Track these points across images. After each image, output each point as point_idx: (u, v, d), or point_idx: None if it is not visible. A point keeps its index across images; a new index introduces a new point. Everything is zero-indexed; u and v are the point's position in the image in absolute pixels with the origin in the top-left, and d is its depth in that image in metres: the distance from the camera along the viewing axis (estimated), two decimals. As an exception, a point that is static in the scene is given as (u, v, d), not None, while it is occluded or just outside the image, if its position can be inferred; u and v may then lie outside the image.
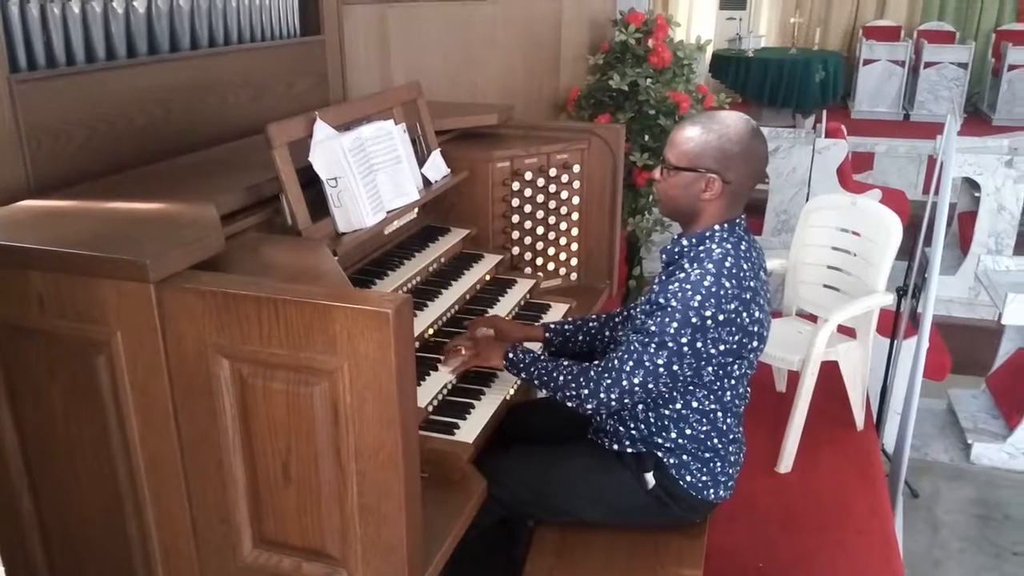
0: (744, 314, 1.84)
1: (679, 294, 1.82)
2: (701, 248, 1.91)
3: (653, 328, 1.84)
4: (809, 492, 3.07)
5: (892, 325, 3.49)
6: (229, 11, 2.39)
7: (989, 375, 4.40)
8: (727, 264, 1.84)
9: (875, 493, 3.07)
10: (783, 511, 2.97)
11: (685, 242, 1.95)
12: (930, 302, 3.10)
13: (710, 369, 1.90)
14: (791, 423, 3.15)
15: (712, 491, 2.03)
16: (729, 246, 1.89)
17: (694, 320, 1.81)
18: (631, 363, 1.86)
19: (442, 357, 2.10)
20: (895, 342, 3.50)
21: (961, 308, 5.29)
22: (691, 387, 1.93)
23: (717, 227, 1.92)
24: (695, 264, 1.87)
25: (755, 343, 1.91)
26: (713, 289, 1.81)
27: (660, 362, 1.84)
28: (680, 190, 1.92)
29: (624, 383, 1.87)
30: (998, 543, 3.37)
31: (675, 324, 1.81)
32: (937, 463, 3.92)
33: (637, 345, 1.86)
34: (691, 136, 1.90)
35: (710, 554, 2.09)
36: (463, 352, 2.08)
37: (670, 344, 1.82)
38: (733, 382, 1.95)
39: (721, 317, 1.81)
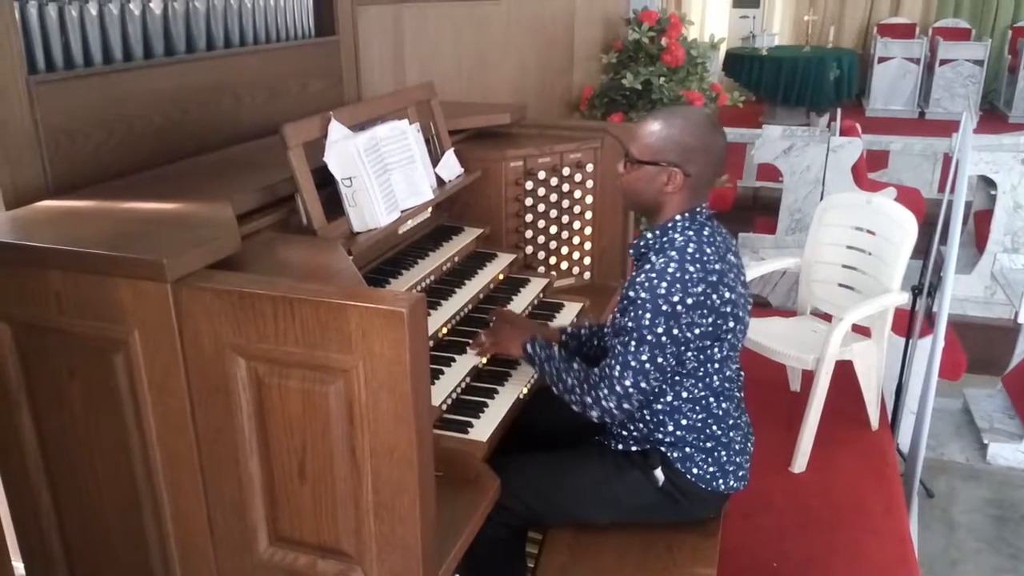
0: (713, 295, 1.87)
1: (646, 284, 1.85)
2: (665, 239, 1.95)
3: (630, 324, 1.87)
4: (824, 492, 3.06)
5: (907, 324, 3.47)
6: (244, 12, 2.41)
7: (1005, 374, 4.37)
8: (689, 250, 1.88)
9: (890, 493, 3.06)
10: (797, 511, 2.96)
11: (650, 235, 1.99)
12: (946, 301, 3.08)
13: (690, 355, 1.92)
14: (805, 422, 3.14)
15: (721, 481, 2.03)
16: (691, 233, 1.93)
17: (664, 308, 1.83)
18: (619, 367, 1.89)
19: (455, 357, 2.12)
20: (910, 341, 3.48)
21: (977, 307, 5.26)
22: (677, 377, 1.95)
23: (679, 217, 1.95)
24: (660, 255, 1.91)
25: (731, 323, 1.93)
26: (678, 275, 1.84)
27: (644, 358, 1.87)
28: (643, 183, 1.96)
29: (618, 388, 1.90)
30: (1015, 543, 3.35)
31: (648, 315, 1.84)
32: (953, 463, 3.89)
33: (620, 347, 1.89)
34: (653, 130, 1.94)
35: (724, 553, 2.09)
36: (483, 339, 2.13)
37: (648, 337, 1.85)
38: (717, 366, 1.96)
39: (690, 301, 1.84)
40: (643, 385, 1.89)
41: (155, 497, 1.59)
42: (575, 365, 2.02)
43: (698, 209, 1.96)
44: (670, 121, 1.94)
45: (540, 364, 2.06)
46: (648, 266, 1.89)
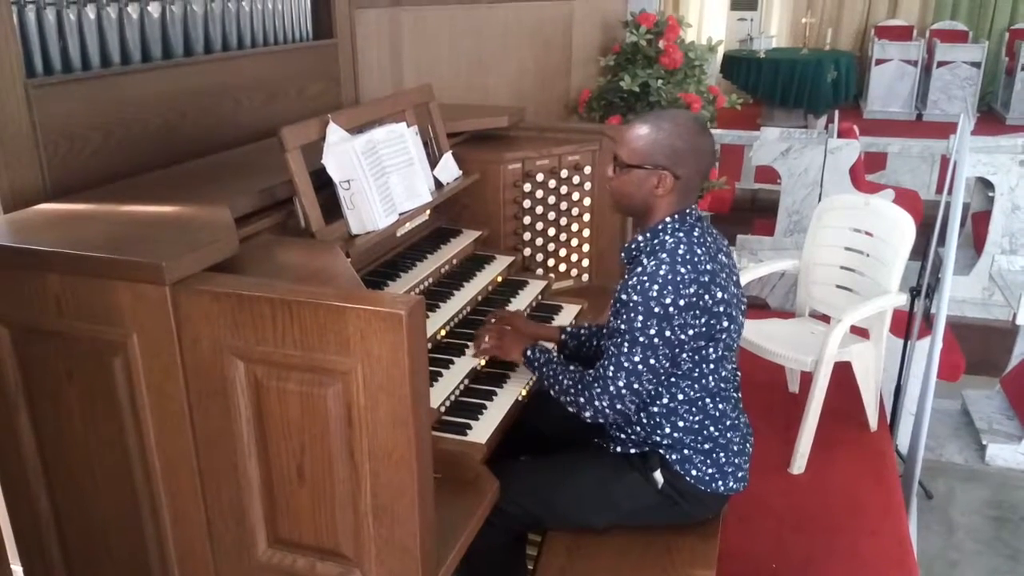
0: (706, 296, 1.88)
1: (638, 287, 1.86)
2: (655, 241, 1.96)
3: (623, 327, 1.88)
4: (822, 493, 3.06)
5: (906, 326, 3.47)
6: (242, 15, 2.41)
7: (1004, 376, 4.38)
8: (680, 251, 1.89)
9: (889, 494, 3.06)
10: (796, 512, 2.96)
11: (640, 238, 2.00)
12: (944, 302, 3.08)
13: (685, 356, 1.93)
14: (804, 424, 3.14)
15: (721, 483, 2.03)
16: (681, 234, 1.94)
17: (656, 310, 1.84)
18: (612, 368, 1.90)
19: (454, 359, 2.12)
20: (908, 343, 3.49)
21: (975, 308, 5.26)
22: (672, 379, 1.96)
23: (668, 219, 1.96)
24: (651, 257, 1.92)
25: (725, 323, 1.93)
26: (669, 277, 1.85)
27: (637, 359, 1.87)
28: (633, 187, 1.97)
29: (611, 388, 1.90)
30: (1014, 544, 3.35)
31: (640, 318, 1.85)
32: (951, 464, 3.90)
33: (613, 349, 1.90)
34: (641, 134, 1.94)
35: (723, 555, 2.09)
36: (486, 340, 2.14)
37: (641, 339, 1.86)
38: (712, 366, 1.97)
39: (682, 302, 1.85)
40: (635, 386, 1.90)
41: (153, 500, 1.59)
42: (571, 367, 2.03)
43: (687, 210, 1.97)
44: (658, 124, 1.94)
45: (539, 368, 2.07)
46: (639, 269, 1.90)
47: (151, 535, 1.63)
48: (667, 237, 1.94)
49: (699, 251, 1.90)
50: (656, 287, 1.84)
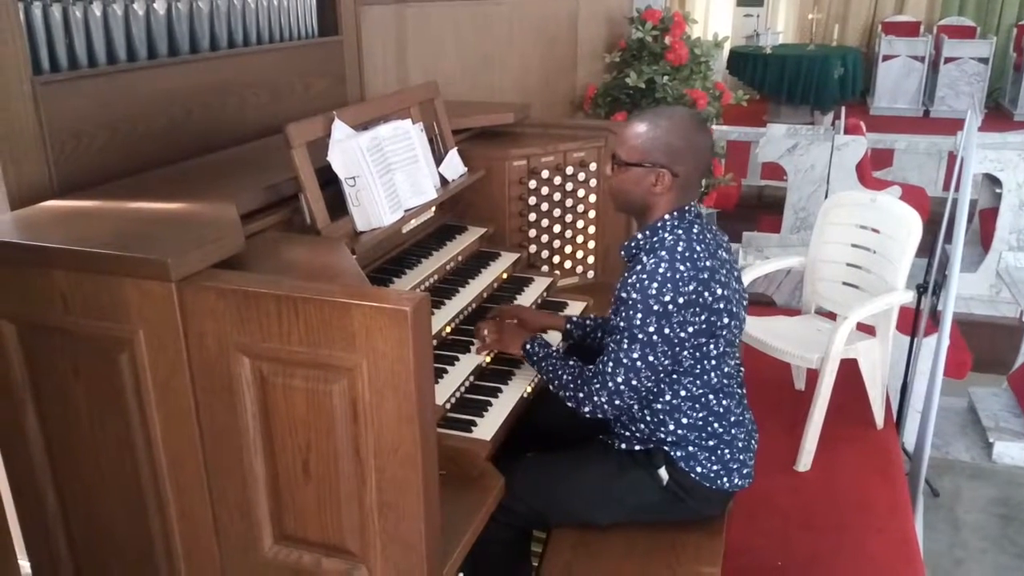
0: (705, 293, 1.88)
1: (637, 285, 1.86)
2: (655, 239, 1.96)
3: (622, 324, 1.89)
4: (828, 491, 3.06)
5: (912, 323, 3.46)
6: (248, 12, 2.41)
7: (1011, 373, 4.36)
8: (679, 248, 1.89)
9: (895, 492, 3.05)
10: (802, 509, 2.96)
11: (640, 236, 2.00)
12: (950, 299, 3.07)
13: (686, 353, 1.93)
14: (810, 421, 3.14)
15: (726, 479, 2.03)
16: (680, 232, 1.94)
17: (655, 308, 1.84)
18: (611, 364, 1.91)
19: (459, 356, 2.12)
20: (915, 340, 3.48)
21: (982, 306, 5.24)
22: (674, 375, 1.96)
23: (667, 216, 1.96)
24: (650, 255, 1.92)
25: (725, 319, 1.93)
26: (668, 274, 1.85)
27: (635, 356, 1.87)
28: (631, 185, 1.97)
29: (610, 384, 1.91)
30: (1020, 542, 3.34)
31: (639, 315, 1.85)
32: (958, 462, 3.88)
33: (613, 345, 1.91)
34: (639, 132, 1.94)
35: (728, 552, 2.09)
36: (485, 334, 2.14)
37: (640, 336, 1.86)
38: (714, 362, 1.97)
39: (681, 300, 1.85)
40: (634, 383, 1.90)
41: (160, 496, 1.60)
42: (571, 362, 2.04)
43: (686, 208, 1.97)
44: (655, 122, 1.94)
45: (538, 361, 2.08)
46: (639, 267, 1.90)
47: (157, 531, 1.64)
48: (666, 234, 1.94)
49: (698, 248, 1.90)
50: (655, 285, 1.84)
